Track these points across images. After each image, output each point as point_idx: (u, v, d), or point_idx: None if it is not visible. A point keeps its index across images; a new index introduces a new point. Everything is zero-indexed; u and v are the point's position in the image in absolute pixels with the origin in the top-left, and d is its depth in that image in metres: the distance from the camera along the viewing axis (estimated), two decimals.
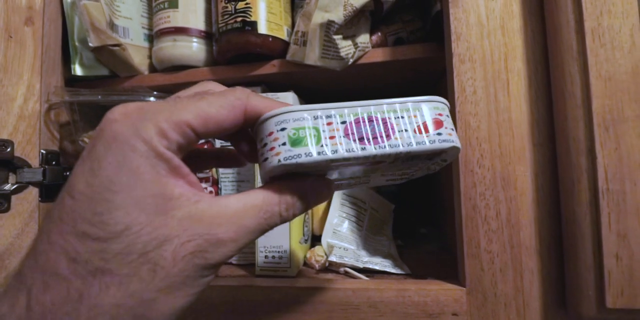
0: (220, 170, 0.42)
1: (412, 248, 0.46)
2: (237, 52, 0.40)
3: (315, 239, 0.45)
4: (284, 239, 0.37)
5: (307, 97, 0.45)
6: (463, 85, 0.31)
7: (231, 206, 0.18)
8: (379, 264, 0.38)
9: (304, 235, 0.41)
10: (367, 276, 0.35)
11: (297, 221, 0.39)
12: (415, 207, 0.62)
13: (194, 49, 0.42)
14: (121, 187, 0.16)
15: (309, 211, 0.46)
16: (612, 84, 0.27)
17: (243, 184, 0.42)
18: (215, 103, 0.18)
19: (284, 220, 0.19)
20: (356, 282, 0.33)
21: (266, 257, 0.37)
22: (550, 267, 0.29)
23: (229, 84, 0.43)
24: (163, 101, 0.19)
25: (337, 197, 0.46)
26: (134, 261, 0.16)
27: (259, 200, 0.19)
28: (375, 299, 0.31)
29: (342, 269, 0.37)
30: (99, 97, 0.38)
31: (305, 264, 0.40)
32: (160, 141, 0.16)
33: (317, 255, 0.40)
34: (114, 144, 0.16)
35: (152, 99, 0.37)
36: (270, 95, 0.38)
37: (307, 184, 0.20)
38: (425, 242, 0.50)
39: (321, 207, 0.45)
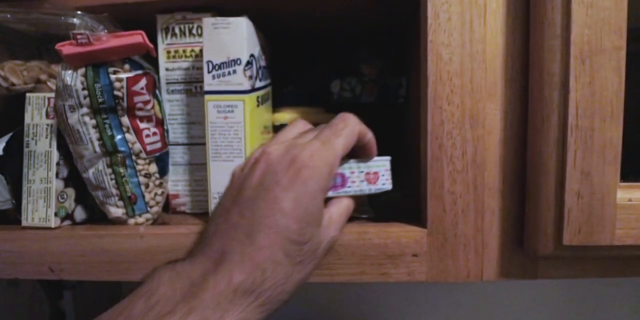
0: (167, 110, 0.38)
1: (378, 196, 0.45)
2: None
3: None
4: None
5: (263, 24, 0.39)
6: (437, 10, 0.28)
7: (335, 213, 0.28)
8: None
9: None
10: None
11: None
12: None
13: None
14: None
15: None
16: (594, 11, 0.25)
17: (194, 126, 0.38)
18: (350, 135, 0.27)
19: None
20: None
21: None
22: (511, 207, 0.29)
23: (175, 7, 0.37)
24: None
25: None
26: (312, 256, 0.25)
27: (345, 208, 0.28)
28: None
29: None
30: (8, 15, 0.31)
31: None
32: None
33: None
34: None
35: (75, 20, 0.31)
36: (220, 20, 0.33)
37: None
38: (393, 190, 0.49)
39: None
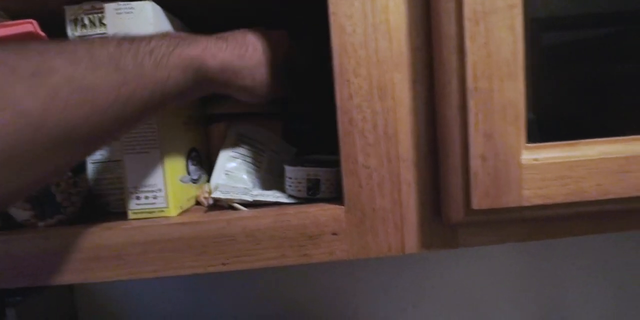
0: None
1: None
2: None
3: None
4: (157, 177, 0.32)
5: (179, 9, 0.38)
6: None
7: None
8: (272, 195, 0.35)
9: (188, 172, 0.37)
10: None
11: (175, 156, 0.34)
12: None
13: None
14: None
15: (204, 144, 0.41)
16: None
17: None
18: None
19: None
20: (232, 213, 0.30)
21: (138, 198, 0.32)
22: (427, 178, 0.28)
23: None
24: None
25: (232, 137, 0.42)
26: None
27: None
28: (252, 228, 0.28)
29: (228, 205, 0.34)
30: None
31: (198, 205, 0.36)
32: None
33: (205, 192, 0.37)
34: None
35: None
36: (123, 4, 0.32)
37: None
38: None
39: None
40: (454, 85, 0.25)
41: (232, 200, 0.34)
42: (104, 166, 0.36)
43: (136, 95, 0.23)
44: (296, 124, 0.51)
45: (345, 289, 0.59)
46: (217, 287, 0.58)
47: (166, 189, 0.32)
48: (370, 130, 0.28)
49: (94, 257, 0.29)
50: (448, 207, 0.26)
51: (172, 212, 0.32)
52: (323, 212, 0.28)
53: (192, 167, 0.38)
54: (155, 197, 0.32)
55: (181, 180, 0.35)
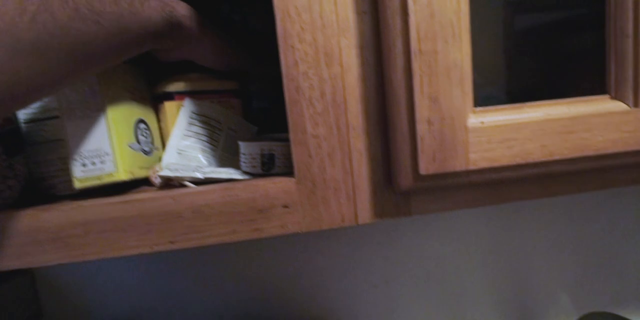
0: None
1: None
2: None
3: None
4: (103, 140, 0.31)
5: None
6: None
7: None
8: (224, 172, 0.34)
9: (138, 142, 0.35)
10: None
11: (121, 121, 0.32)
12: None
13: None
14: None
15: (155, 124, 0.40)
16: None
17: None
18: None
19: None
20: (178, 189, 0.28)
21: (84, 164, 0.30)
22: (377, 146, 0.28)
23: None
24: None
25: (185, 115, 0.40)
26: None
27: None
28: (200, 203, 0.27)
29: (179, 183, 0.32)
30: None
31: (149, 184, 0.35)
32: None
33: (155, 171, 0.35)
34: None
35: None
36: None
37: None
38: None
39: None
40: (399, 47, 0.24)
41: (182, 179, 0.32)
42: (45, 147, 0.34)
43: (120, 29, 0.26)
44: (257, 101, 0.49)
45: (315, 266, 0.59)
46: (183, 269, 0.57)
47: (114, 152, 0.31)
48: (318, 99, 0.27)
49: (32, 241, 0.27)
50: (398, 174, 0.26)
51: (122, 175, 0.30)
52: (273, 185, 0.27)
53: (141, 138, 0.36)
54: (102, 162, 0.31)
55: (130, 146, 0.33)
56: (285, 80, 0.27)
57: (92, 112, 0.30)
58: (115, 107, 0.32)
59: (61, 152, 0.34)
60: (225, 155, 0.41)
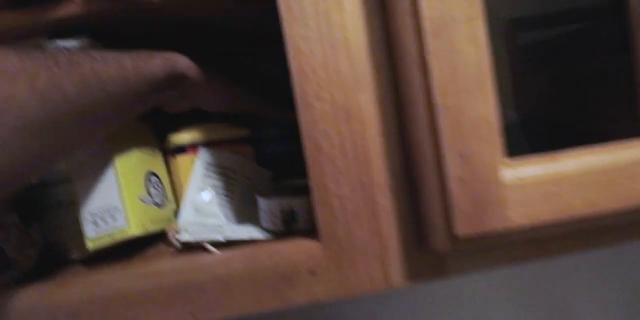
0: None
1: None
2: None
3: None
4: (112, 194, 0.30)
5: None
6: (289, 2, 0.26)
7: None
8: (245, 232, 0.33)
9: (149, 195, 0.34)
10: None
11: (130, 174, 0.32)
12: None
13: None
14: None
15: (167, 177, 0.39)
16: None
17: None
18: None
19: None
20: (198, 258, 0.27)
21: (95, 223, 0.29)
22: (405, 203, 0.26)
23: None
24: None
25: (200, 167, 0.39)
26: None
27: None
28: (221, 273, 0.26)
29: (199, 245, 0.31)
30: None
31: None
32: None
33: (173, 231, 0.34)
34: None
35: None
36: (61, 42, 0.30)
37: None
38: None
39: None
40: (421, 102, 0.23)
41: (202, 241, 0.31)
42: (59, 211, 0.34)
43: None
44: (268, 146, 0.48)
45: None
46: None
47: (124, 206, 0.30)
48: (339, 157, 0.26)
49: (50, 318, 0.26)
50: (430, 235, 0.24)
51: (134, 230, 0.29)
52: (297, 249, 0.26)
53: (153, 190, 0.35)
54: (114, 218, 0.30)
55: (141, 199, 0.32)
56: (304, 140, 0.26)
57: (101, 168, 0.30)
58: (124, 160, 0.32)
59: (75, 214, 0.34)
60: (243, 207, 0.40)
